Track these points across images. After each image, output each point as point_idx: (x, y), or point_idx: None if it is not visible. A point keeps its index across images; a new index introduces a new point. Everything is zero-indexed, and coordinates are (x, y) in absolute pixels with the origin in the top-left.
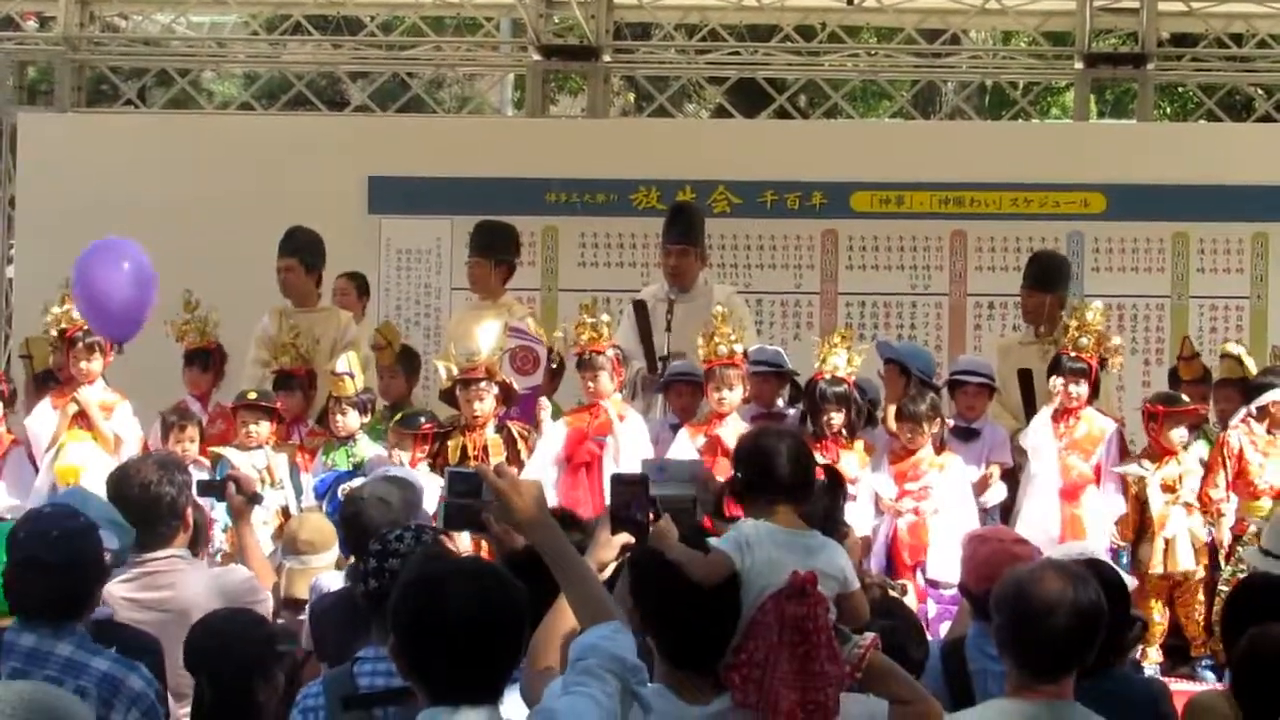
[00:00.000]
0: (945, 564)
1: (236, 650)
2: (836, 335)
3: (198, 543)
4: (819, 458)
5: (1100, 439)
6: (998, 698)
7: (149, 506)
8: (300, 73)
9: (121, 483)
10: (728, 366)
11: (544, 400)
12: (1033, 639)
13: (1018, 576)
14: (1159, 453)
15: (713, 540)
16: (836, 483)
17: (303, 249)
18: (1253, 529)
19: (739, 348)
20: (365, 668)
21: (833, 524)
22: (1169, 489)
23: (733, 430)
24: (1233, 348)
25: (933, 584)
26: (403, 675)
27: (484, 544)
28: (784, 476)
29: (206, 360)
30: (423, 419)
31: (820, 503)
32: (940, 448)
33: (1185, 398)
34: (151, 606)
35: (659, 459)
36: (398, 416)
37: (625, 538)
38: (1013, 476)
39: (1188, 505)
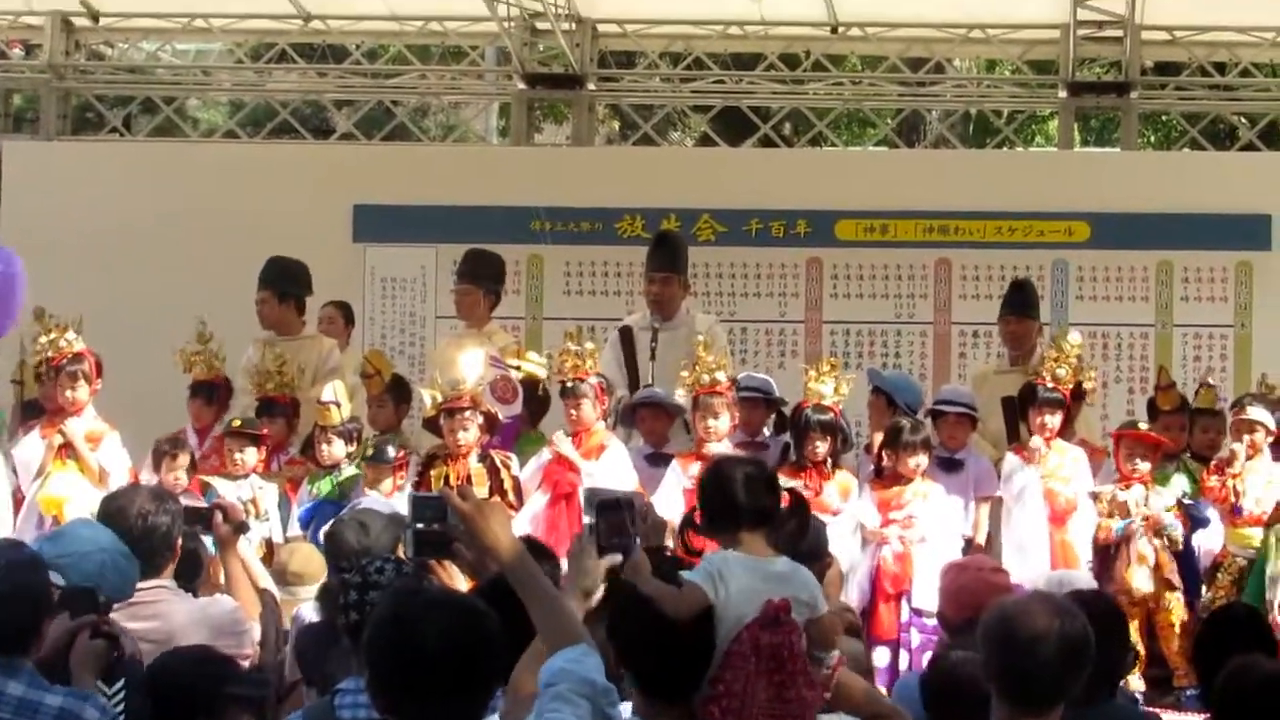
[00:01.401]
0: (930, 593)
1: (182, 689)
2: (825, 364)
3: (193, 574)
4: (789, 482)
5: (1078, 464)
6: None
7: (146, 538)
8: (285, 100)
9: (120, 515)
10: (712, 395)
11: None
12: (1019, 670)
13: (1004, 607)
14: (1124, 479)
15: (685, 574)
16: (802, 507)
17: (277, 280)
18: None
19: (722, 375)
20: (346, 700)
21: (807, 551)
22: (1124, 512)
23: None
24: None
25: (918, 613)
26: (379, 712)
27: None
28: (744, 503)
29: (212, 393)
30: (391, 449)
31: (786, 527)
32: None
33: (1143, 425)
34: (138, 637)
35: (594, 489)
36: (367, 453)
37: (612, 559)
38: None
39: (1146, 526)
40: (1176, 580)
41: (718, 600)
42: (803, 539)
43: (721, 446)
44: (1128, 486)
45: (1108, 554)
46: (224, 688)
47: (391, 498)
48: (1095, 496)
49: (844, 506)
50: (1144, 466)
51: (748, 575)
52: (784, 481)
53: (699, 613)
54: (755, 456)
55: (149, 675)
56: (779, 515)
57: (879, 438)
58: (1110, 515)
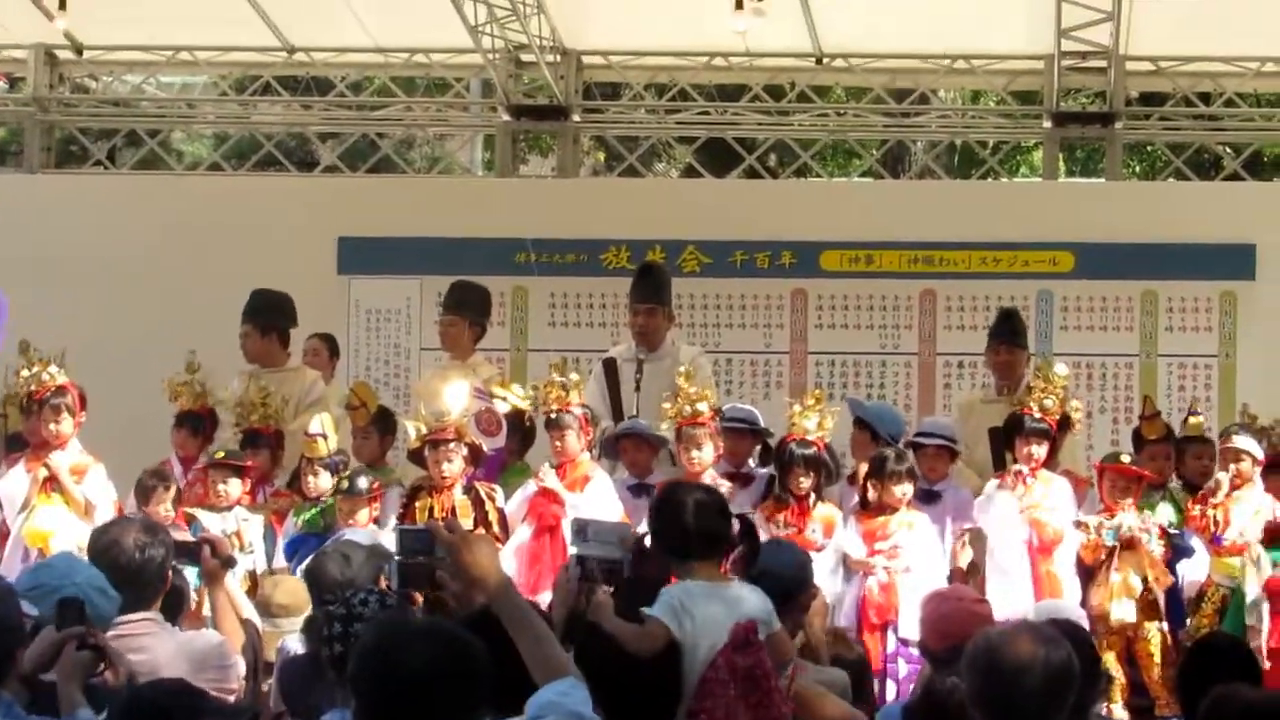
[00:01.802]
0: (915, 623)
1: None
2: (811, 398)
3: (176, 608)
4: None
5: (1063, 494)
6: None
7: (141, 571)
8: (270, 133)
9: (114, 547)
10: (695, 426)
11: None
12: (1005, 699)
13: (990, 637)
14: (1109, 510)
15: (646, 610)
16: (752, 533)
17: (259, 313)
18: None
19: (705, 406)
20: None
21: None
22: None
23: None
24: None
25: (904, 643)
26: None
27: None
28: (698, 530)
29: (198, 424)
30: (364, 481)
31: (736, 553)
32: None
33: (1126, 458)
34: (126, 665)
35: (585, 520)
36: (342, 485)
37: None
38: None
39: (1129, 552)
40: (1158, 608)
41: (683, 632)
42: (753, 564)
43: (707, 478)
44: (1112, 517)
45: (1090, 578)
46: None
47: (367, 529)
48: (1081, 525)
49: (827, 542)
50: (1126, 501)
51: (709, 603)
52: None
53: (662, 647)
54: (706, 484)
55: (123, 706)
56: (731, 541)
57: (863, 468)
58: (1097, 542)
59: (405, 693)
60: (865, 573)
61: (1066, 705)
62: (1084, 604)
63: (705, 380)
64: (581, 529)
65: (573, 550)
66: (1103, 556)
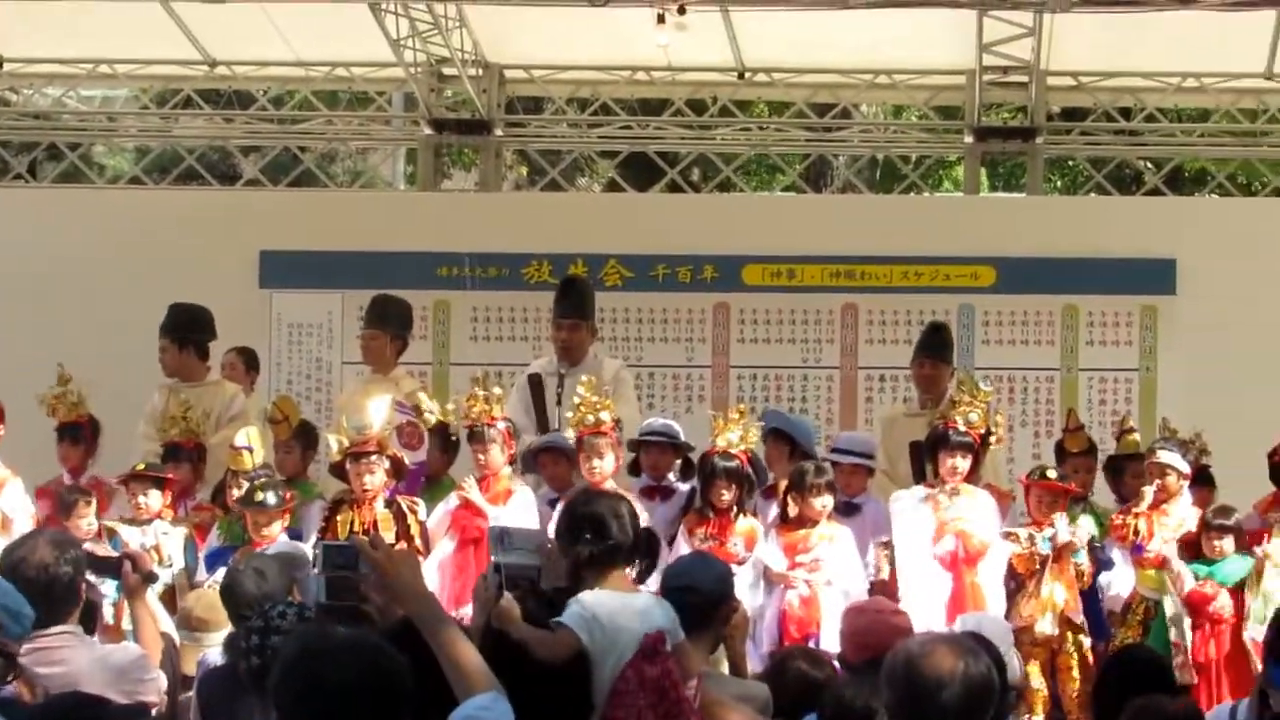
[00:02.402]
0: (836, 635)
1: None
2: (734, 411)
3: (90, 622)
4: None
5: (987, 507)
6: None
7: (48, 587)
8: (191, 146)
9: (19, 565)
10: (597, 435)
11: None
12: (923, 713)
13: (909, 650)
14: (1037, 524)
15: (557, 620)
16: (653, 544)
17: (176, 328)
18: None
19: (606, 416)
20: None
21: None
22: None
23: None
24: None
25: None
26: None
27: None
28: (622, 541)
29: (78, 434)
30: (272, 497)
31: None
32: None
33: (1052, 473)
34: (43, 683)
35: (504, 528)
36: (255, 498)
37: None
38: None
39: (1057, 570)
40: (1080, 620)
41: (593, 642)
42: (650, 574)
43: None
44: (1041, 529)
45: (1019, 589)
46: None
47: (275, 543)
48: (1012, 535)
49: (749, 555)
50: (1054, 516)
51: (619, 613)
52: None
53: (572, 655)
54: (620, 493)
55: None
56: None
57: (783, 482)
58: (1033, 551)
59: (327, 705)
60: (786, 586)
61: (987, 717)
62: (1009, 616)
63: (625, 394)
64: (500, 536)
65: (494, 558)
66: (1036, 566)
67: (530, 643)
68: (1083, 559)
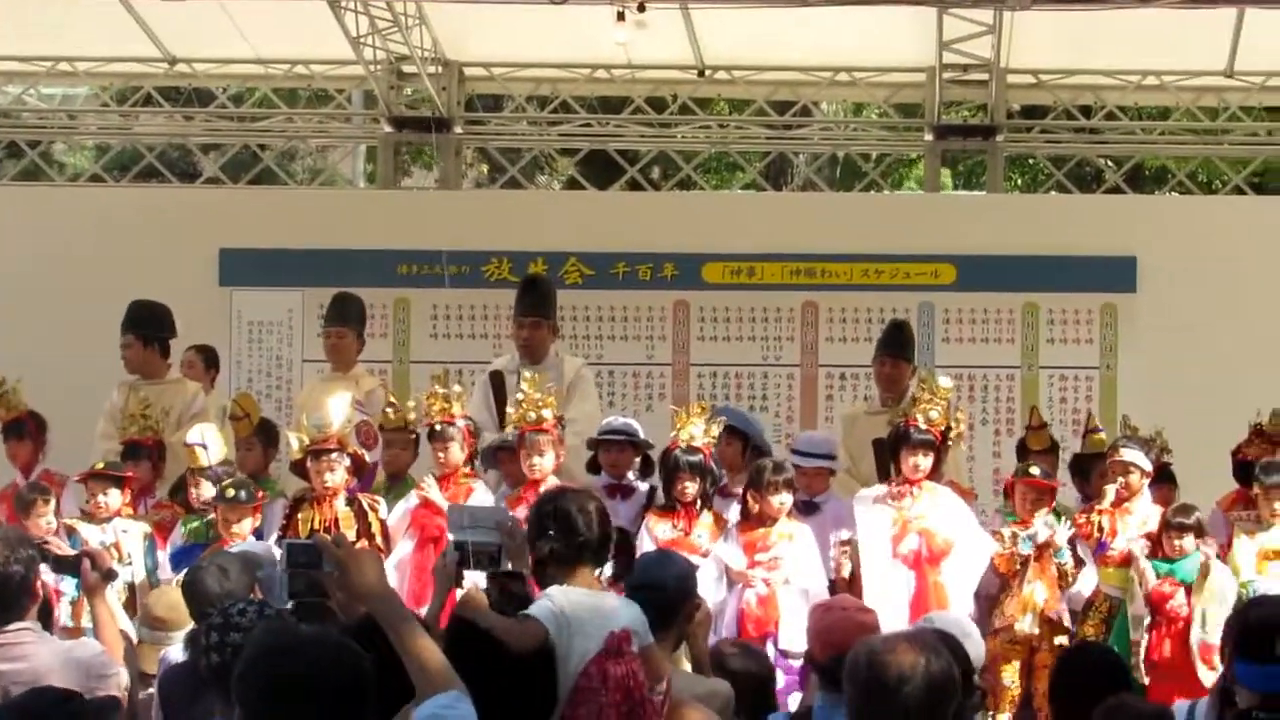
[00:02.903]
0: (795, 634)
1: None
2: (697, 406)
3: (44, 619)
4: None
5: (953, 504)
6: None
7: (2, 585)
8: (151, 144)
9: None
10: (538, 432)
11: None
12: (884, 710)
13: (870, 646)
14: (1024, 523)
15: (525, 611)
16: (628, 544)
17: (140, 324)
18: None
19: (548, 413)
20: None
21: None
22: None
23: None
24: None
25: (783, 654)
26: None
27: None
28: (590, 539)
29: (21, 430)
30: (244, 492)
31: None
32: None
33: (1036, 470)
34: (3, 679)
35: (464, 507)
36: (228, 493)
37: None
38: None
39: (1039, 569)
40: (1067, 621)
41: (560, 637)
42: (628, 574)
43: (550, 486)
44: (1026, 527)
45: (1003, 589)
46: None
47: (248, 539)
48: (996, 535)
49: (712, 547)
50: (1040, 513)
51: (587, 610)
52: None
53: (538, 647)
54: (590, 491)
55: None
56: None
57: (738, 479)
58: (1014, 551)
59: (291, 702)
60: (745, 585)
61: (948, 715)
62: (989, 615)
63: (589, 391)
64: (460, 515)
65: (450, 536)
66: (1018, 566)
67: (497, 630)
68: (1066, 558)
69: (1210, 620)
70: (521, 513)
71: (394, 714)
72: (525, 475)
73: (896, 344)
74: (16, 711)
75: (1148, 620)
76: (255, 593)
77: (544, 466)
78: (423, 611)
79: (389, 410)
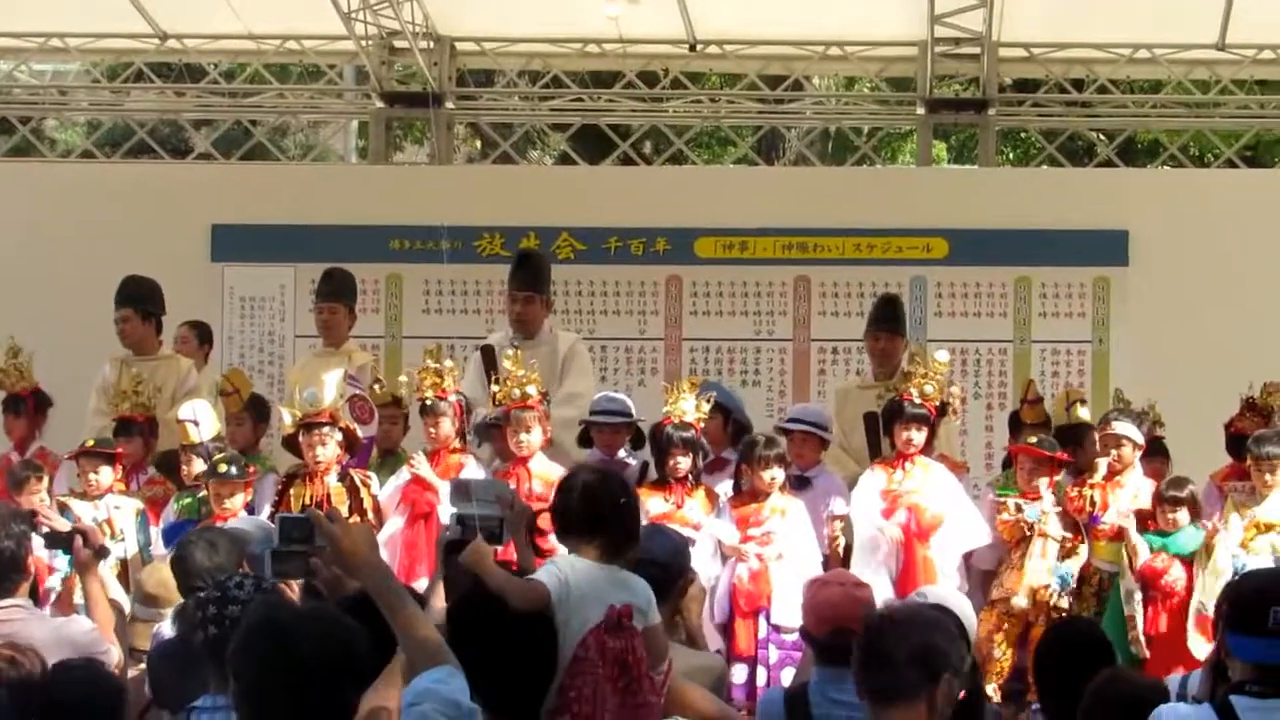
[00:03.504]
0: (789, 609)
1: (100, 701)
2: (685, 383)
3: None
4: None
5: (945, 479)
6: None
7: None
8: (143, 120)
9: None
10: (524, 409)
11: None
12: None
13: (876, 614)
14: (1027, 495)
15: (530, 576)
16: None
17: (138, 298)
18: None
19: (532, 389)
20: (203, 718)
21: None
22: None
23: (539, 472)
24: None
25: (776, 629)
26: None
27: None
28: (579, 512)
29: (19, 406)
30: (234, 467)
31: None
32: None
33: (1034, 440)
34: None
35: (467, 480)
36: (219, 469)
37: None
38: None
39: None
40: (1063, 603)
41: (561, 603)
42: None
43: (538, 460)
44: (1029, 499)
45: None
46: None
47: (239, 514)
48: (1001, 504)
49: (705, 521)
50: (1043, 482)
51: (591, 580)
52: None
53: (539, 609)
54: (605, 469)
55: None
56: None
57: (725, 455)
58: (1019, 519)
59: (287, 677)
60: (738, 559)
61: (937, 682)
62: (986, 587)
63: (583, 367)
64: (462, 488)
65: (453, 510)
66: (1026, 532)
67: (501, 585)
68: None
69: (1210, 593)
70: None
71: None
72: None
73: (888, 319)
74: (46, 686)
75: (1139, 596)
76: (244, 568)
77: (531, 443)
78: (415, 586)
79: (375, 386)
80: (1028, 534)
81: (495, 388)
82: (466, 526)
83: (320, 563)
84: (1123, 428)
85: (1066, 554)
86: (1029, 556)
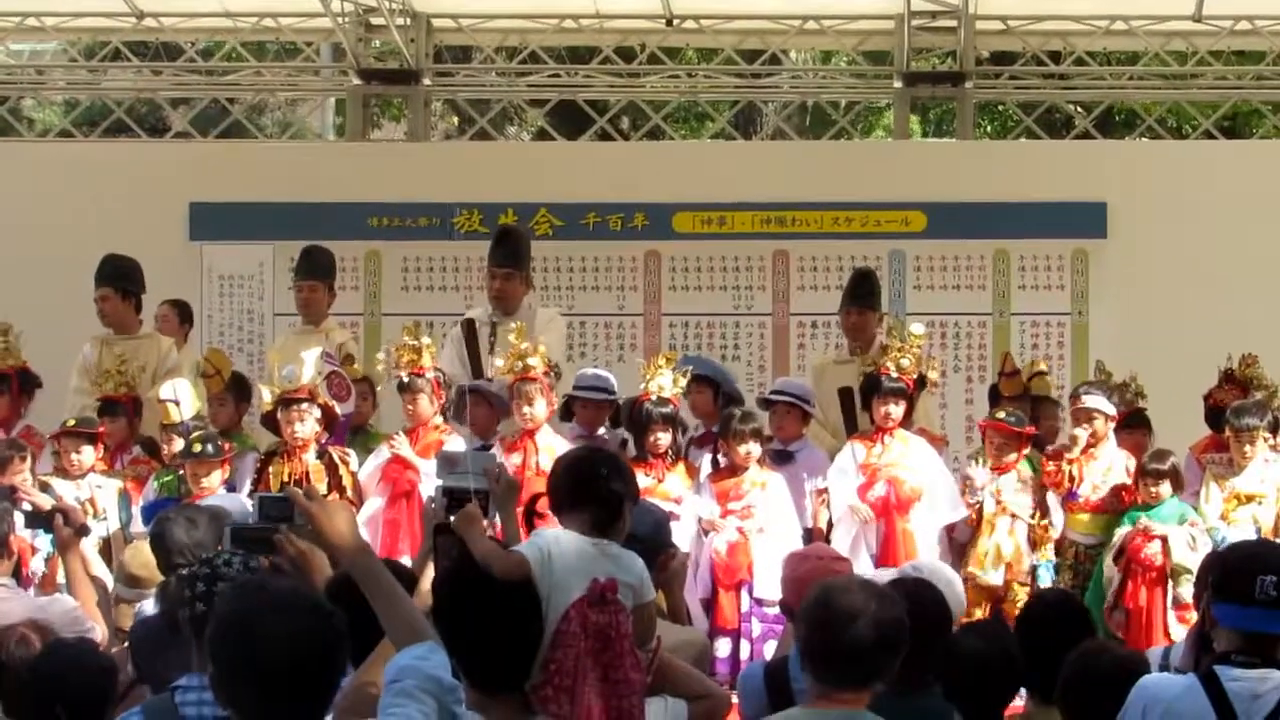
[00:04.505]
0: (770, 582)
1: (94, 679)
2: (661, 358)
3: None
4: (640, 477)
5: (924, 452)
6: (796, 707)
7: None
8: (120, 99)
9: None
10: (527, 381)
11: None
12: (831, 648)
13: (825, 586)
14: (997, 469)
15: (514, 548)
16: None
17: (118, 277)
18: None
19: (535, 361)
20: (190, 696)
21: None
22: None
23: (545, 445)
24: (1042, 365)
25: (759, 602)
26: (222, 706)
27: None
28: (566, 486)
29: (4, 385)
30: (210, 445)
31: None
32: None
33: (1002, 415)
34: None
35: (453, 452)
36: (194, 449)
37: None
38: None
39: (1011, 518)
40: (1046, 582)
41: (543, 575)
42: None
43: (544, 433)
44: (999, 474)
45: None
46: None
47: (216, 494)
48: (968, 480)
49: (686, 495)
50: (1011, 457)
51: (576, 555)
52: None
53: (520, 578)
54: (601, 447)
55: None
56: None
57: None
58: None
59: (265, 661)
60: (714, 532)
61: (895, 661)
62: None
63: (559, 342)
64: (449, 460)
65: (438, 482)
66: (972, 515)
67: (485, 555)
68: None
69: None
70: (516, 460)
71: None
72: (489, 423)
73: (861, 294)
74: (40, 664)
75: (1117, 579)
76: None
77: (536, 415)
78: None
79: (345, 363)
80: (975, 517)
81: (500, 362)
82: (452, 499)
83: (283, 540)
84: (1094, 401)
85: (1035, 544)
86: (992, 535)
